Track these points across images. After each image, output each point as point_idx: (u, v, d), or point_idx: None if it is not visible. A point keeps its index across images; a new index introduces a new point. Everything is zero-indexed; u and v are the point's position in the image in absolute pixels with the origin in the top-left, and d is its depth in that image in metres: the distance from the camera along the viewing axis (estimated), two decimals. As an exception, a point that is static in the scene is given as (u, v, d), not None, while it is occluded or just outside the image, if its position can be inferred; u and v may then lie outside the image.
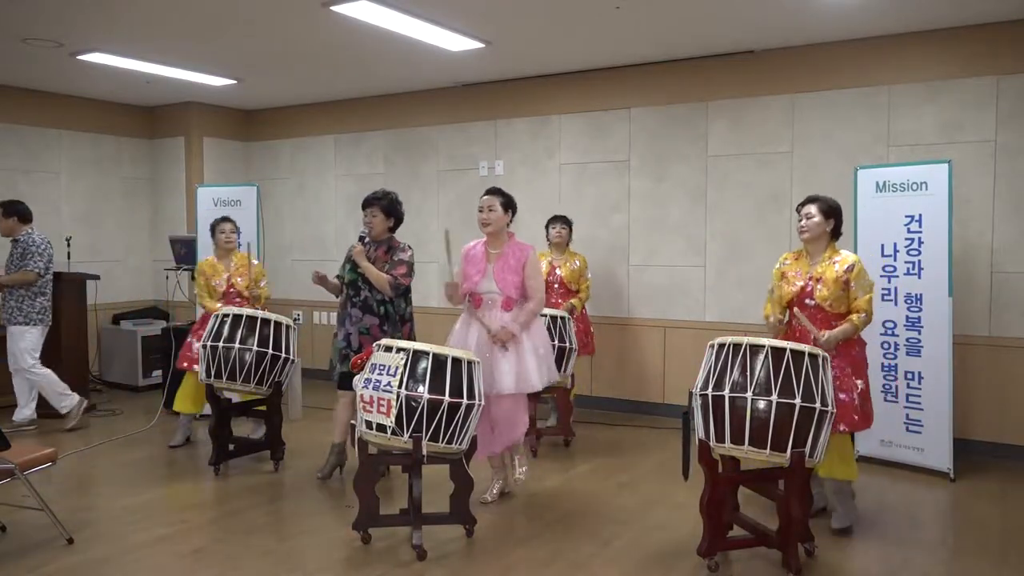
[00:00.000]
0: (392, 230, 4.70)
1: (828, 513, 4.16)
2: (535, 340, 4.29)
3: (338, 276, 4.76)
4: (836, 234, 4.03)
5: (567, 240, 6.08)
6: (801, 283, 3.97)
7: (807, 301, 3.95)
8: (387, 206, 4.63)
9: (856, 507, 4.15)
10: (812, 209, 3.98)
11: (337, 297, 4.80)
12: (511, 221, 4.37)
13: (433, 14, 5.11)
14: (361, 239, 4.60)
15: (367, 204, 4.62)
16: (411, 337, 4.68)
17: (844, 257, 3.94)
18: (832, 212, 4.00)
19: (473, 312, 4.27)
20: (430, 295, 7.60)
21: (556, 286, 5.90)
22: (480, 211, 4.29)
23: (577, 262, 6.02)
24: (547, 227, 6.10)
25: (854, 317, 3.86)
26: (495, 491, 4.48)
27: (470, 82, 7.24)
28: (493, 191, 4.35)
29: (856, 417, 3.87)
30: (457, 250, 4.35)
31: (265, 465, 5.11)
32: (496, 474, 4.51)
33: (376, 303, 4.59)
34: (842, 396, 3.83)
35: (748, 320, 5.91)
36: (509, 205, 4.32)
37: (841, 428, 3.81)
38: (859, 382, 3.92)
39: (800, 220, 4.02)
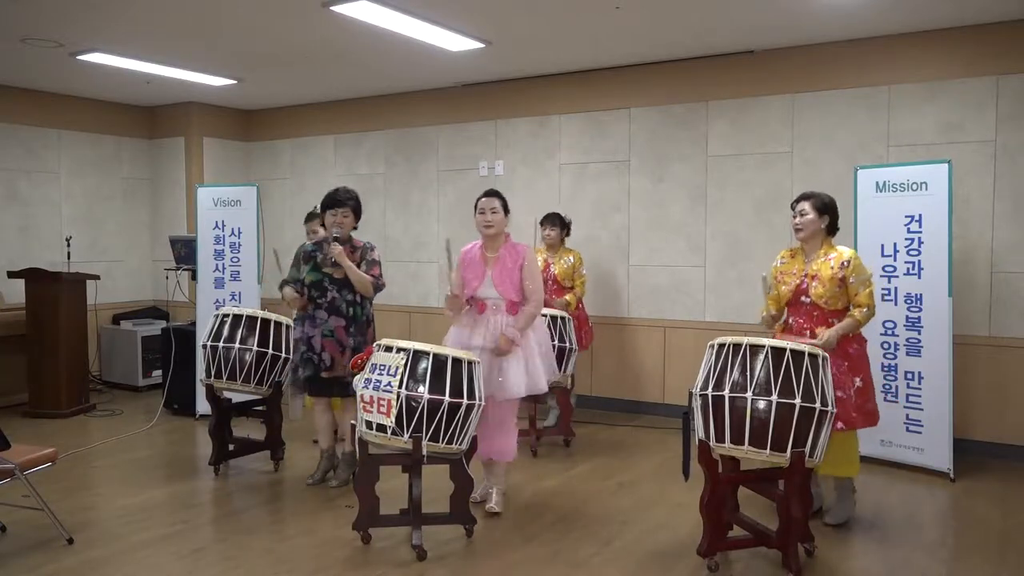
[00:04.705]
0: (353, 230, 4.65)
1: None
2: (539, 337, 4.27)
3: (293, 280, 4.58)
4: (832, 230, 4.01)
5: (559, 240, 6.05)
6: (796, 281, 3.96)
7: (803, 299, 3.93)
8: (356, 207, 4.57)
9: (855, 504, 4.16)
10: (806, 206, 3.95)
11: (302, 310, 4.56)
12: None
13: (433, 14, 5.11)
14: (336, 239, 4.45)
15: (337, 204, 4.49)
16: (373, 339, 4.60)
17: (839, 253, 3.90)
18: (826, 208, 3.96)
19: (476, 320, 4.22)
20: (430, 295, 7.61)
21: (550, 283, 5.86)
22: (482, 213, 4.22)
23: (571, 259, 5.99)
24: (540, 225, 6.09)
25: (855, 312, 3.84)
26: (481, 493, 4.42)
27: (470, 82, 7.24)
28: (492, 193, 4.30)
29: (854, 415, 3.86)
30: (457, 258, 4.31)
31: (265, 465, 5.12)
32: (486, 472, 4.47)
33: (345, 304, 4.50)
34: (839, 393, 3.80)
35: (748, 320, 5.90)
36: (506, 207, 4.29)
37: (838, 426, 3.78)
38: (857, 379, 3.90)
39: (795, 217, 3.99)
